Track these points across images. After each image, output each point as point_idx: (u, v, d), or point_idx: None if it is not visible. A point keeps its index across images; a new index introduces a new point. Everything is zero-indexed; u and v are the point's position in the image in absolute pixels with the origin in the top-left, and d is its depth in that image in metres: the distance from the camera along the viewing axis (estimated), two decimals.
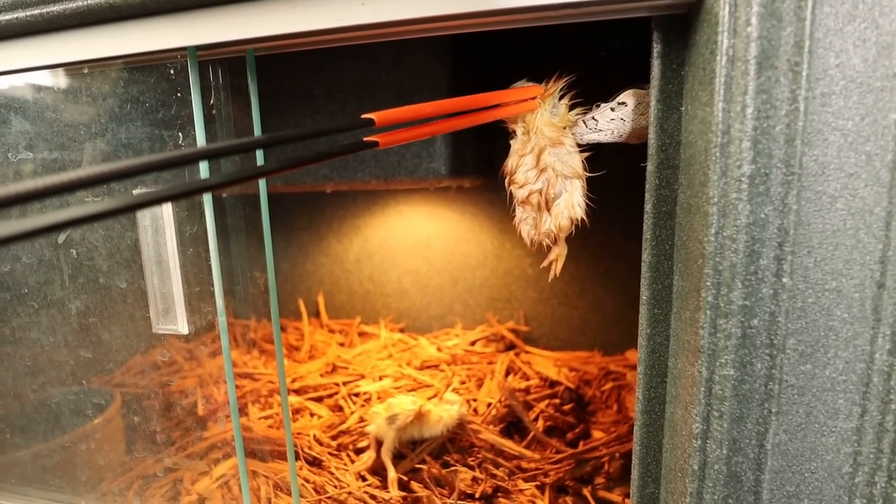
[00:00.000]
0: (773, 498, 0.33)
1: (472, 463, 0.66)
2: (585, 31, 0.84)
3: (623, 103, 0.41)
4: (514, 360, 0.95)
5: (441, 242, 1.07)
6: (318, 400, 0.86)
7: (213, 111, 0.41)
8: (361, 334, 1.10)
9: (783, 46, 0.28)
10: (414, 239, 1.08)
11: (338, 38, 0.38)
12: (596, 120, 0.41)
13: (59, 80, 0.43)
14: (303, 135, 0.31)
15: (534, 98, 0.42)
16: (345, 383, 0.89)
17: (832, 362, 0.32)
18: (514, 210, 0.45)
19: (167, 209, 0.42)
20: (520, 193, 0.43)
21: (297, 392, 0.88)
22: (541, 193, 0.42)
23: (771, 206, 0.30)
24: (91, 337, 0.50)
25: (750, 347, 0.31)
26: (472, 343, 1.03)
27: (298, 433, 0.74)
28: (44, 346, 0.52)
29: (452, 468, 0.63)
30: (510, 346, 1.02)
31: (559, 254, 0.46)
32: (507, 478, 0.63)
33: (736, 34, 0.28)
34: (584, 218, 0.44)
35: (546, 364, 0.95)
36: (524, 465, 0.67)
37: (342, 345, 1.07)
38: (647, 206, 0.37)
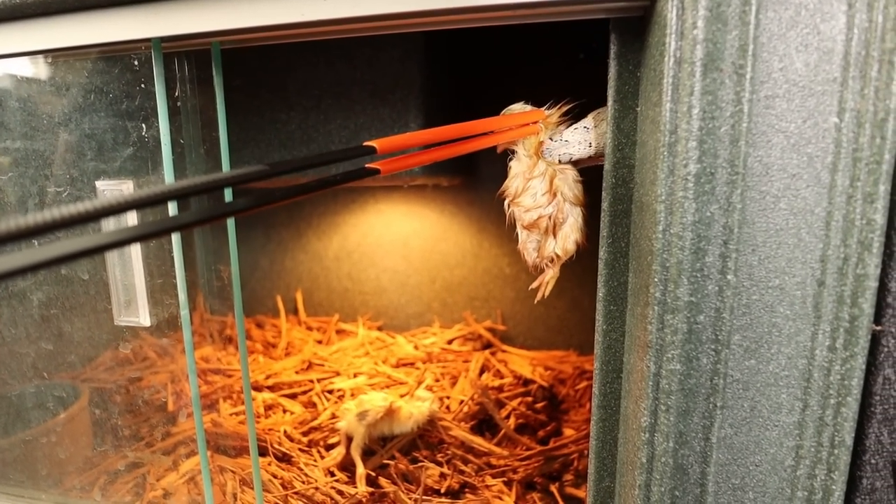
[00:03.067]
0: (719, 490, 0.34)
1: (440, 459, 0.66)
2: (564, 29, 0.85)
3: (587, 127, 0.42)
4: (490, 359, 0.96)
5: (419, 241, 1.07)
6: (292, 396, 0.86)
7: (178, 103, 0.41)
8: (339, 332, 1.10)
9: (728, 49, 0.29)
10: (392, 237, 1.08)
11: (301, 32, 0.38)
12: (567, 140, 0.42)
13: (21, 69, 0.42)
14: (302, 165, 0.31)
15: (535, 122, 0.43)
16: (319, 380, 0.89)
17: (775, 358, 0.32)
18: (516, 233, 0.45)
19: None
20: (527, 217, 0.43)
21: (272, 388, 0.88)
22: (550, 218, 0.42)
23: (716, 205, 0.31)
24: (52, 329, 0.50)
25: (696, 343, 0.32)
26: (450, 342, 1.04)
27: (269, 429, 0.74)
28: (4, 339, 0.51)
29: (420, 464, 0.63)
30: (487, 345, 1.03)
31: (553, 276, 0.46)
32: (474, 474, 0.63)
33: (683, 36, 0.29)
34: (585, 243, 0.44)
35: (521, 363, 0.96)
36: (493, 461, 0.68)
37: (320, 342, 1.06)
38: (604, 205, 0.38)
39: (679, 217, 0.31)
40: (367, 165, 0.34)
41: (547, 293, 0.45)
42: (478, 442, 0.69)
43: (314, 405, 0.82)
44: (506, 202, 0.44)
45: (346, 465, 0.66)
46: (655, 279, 0.32)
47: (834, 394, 0.32)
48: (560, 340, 1.05)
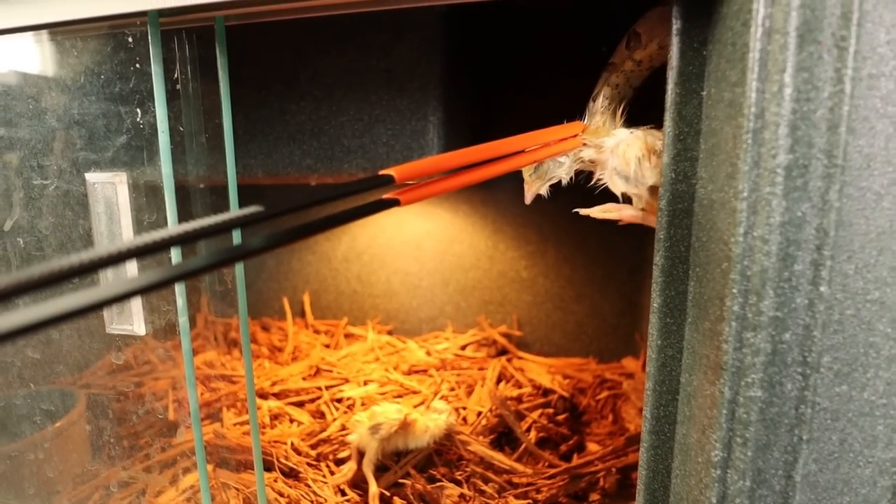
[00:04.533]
0: None
1: (459, 478, 0.61)
2: (589, 12, 0.80)
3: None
4: (506, 367, 0.91)
5: (433, 242, 1.03)
6: (300, 405, 0.81)
7: (178, 86, 0.37)
8: (348, 336, 1.05)
9: (828, 18, 0.24)
10: (404, 238, 1.04)
11: (313, 4, 0.33)
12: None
13: (4, 47, 0.38)
14: (308, 202, 0.27)
15: (575, 136, 0.39)
16: (328, 387, 0.84)
17: (871, 383, 0.28)
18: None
19: (122, 194, 0.37)
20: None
21: (278, 396, 0.84)
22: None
23: (809, 203, 0.26)
24: (40, 336, 0.45)
25: (780, 365, 0.27)
26: (463, 347, 0.99)
27: (276, 441, 0.70)
28: None
29: (438, 483, 0.59)
30: (502, 352, 0.98)
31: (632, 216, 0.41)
32: (496, 495, 0.59)
33: (774, 2, 0.25)
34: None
35: (539, 371, 0.91)
36: (515, 479, 0.63)
37: (327, 346, 1.02)
38: (662, 203, 0.33)
39: (765, 217, 0.26)
40: (385, 196, 0.29)
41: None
42: (498, 458, 0.65)
43: (322, 415, 0.78)
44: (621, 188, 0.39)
45: (358, 483, 0.62)
46: (734, 290, 0.27)
47: None
48: (578, 347, 1.00)
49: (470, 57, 0.70)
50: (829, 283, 0.26)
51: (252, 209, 0.23)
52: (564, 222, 0.96)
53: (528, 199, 0.43)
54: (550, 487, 0.62)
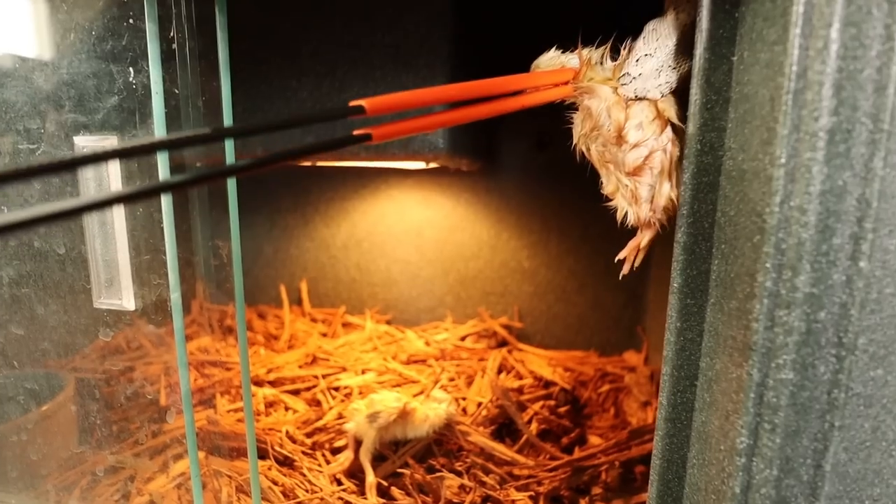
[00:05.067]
0: None
1: (459, 468, 0.60)
2: None
3: (647, 54, 0.34)
4: (507, 358, 0.89)
5: (434, 230, 1.01)
6: (295, 393, 0.79)
7: (173, 46, 0.35)
8: (345, 325, 1.03)
9: None
10: (405, 226, 1.02)
11: None
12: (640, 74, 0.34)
13: None
14: (275, 125, 0.27)
15: (566, 83, 0.35)
16: (325, 376, 0.83)
17: None
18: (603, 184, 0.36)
19: (113, 162, 0.35)
20: (632, 157, 0.33)
21: (273, 384, 0.82)
22: (665, 151, 0.32)
23: (850, 172, 0.24)
24: (24, 311, 0.43)
25: (814, 346, 0.25)
26: (463, 338, 0.97)
27: (270, 428, 0.68)
28: None
29: (438, 474, 0.57)
30: (502, 343, 0.96)
31: (652, 237, 0.37)
32: (497, 486, 0.57)
33: None
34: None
35: (540, 363, 0.90)
36: (516, 471, 0.62)
37: (325, 335, 1.00)
38: (686, 176, 0.31)
39: (804, 186, 0.24)
40: (356, 132, 0.27)
41: (638, 263, 0.37)
42: (500, 449, 0.63)
43: (319, 403, 0.76)
44: (593, 152, 0.35)
45: (355, 472, 0.60)
46: (766, 264, 0.25)
47: None
48: (580, 340, 0.98)
49: (479, 33, 0.68)
50: (870, 258, 0.25)
51: (196, 131, 0.22)
52: (568, 212, 0.94)
53: None
54: (552, 480, 0.60)
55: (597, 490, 0.61)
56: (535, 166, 0.93)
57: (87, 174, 0.36)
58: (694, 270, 0.32)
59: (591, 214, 0.93)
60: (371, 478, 0.57)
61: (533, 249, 0.97)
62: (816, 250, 0.24)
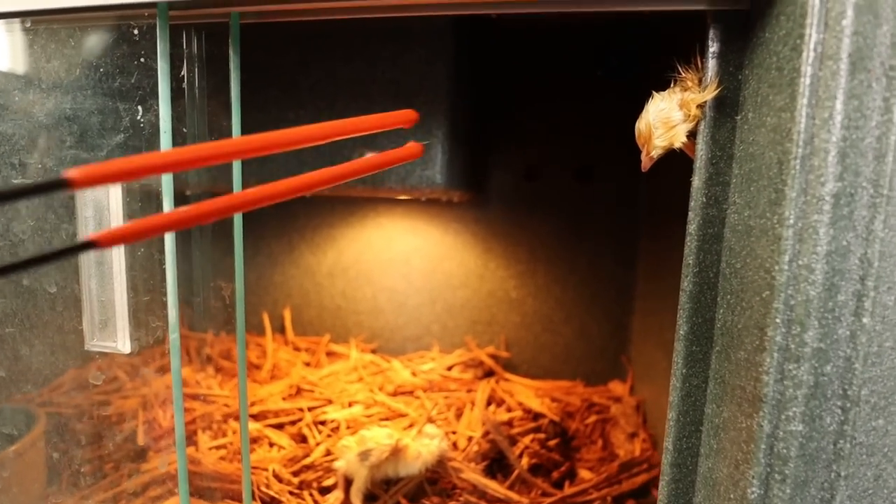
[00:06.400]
0: None
1: None
2: (598, 31, 0.80)
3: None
4: (495, 389, 0.89)
5: (422, 259, 1.01)
6: (279, 427, 0.77)
7: (184, 84, 0.34)
8: (330, 354, 1.01)
9: (878, 47, 0.24)
10: (392, 254, 1.02)
11: (338, 6, 0.32)
12: None
13: None
14: None
15: (411, 122, 0.32)
16: (310, 409, 0.80)
17: None
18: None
19: (115, 198, 0.34)
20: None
21: (256, 417, 0.79)
22: None
23: (853, 233, 0.25)
24: (7, 351, 0.41)
25: (821, 398, 0.26)
26: (449, 368, 0.97)
27: (255, 467, 0.65)
28: None
29: None
30: (489, 373, 0.96)
31: None
32: None
33: (828, 28, 0.24)
34: None
35: (527, 394, 0.89)
36: None
37: (308, 364, 0.98)
38: (691, 228, 0.32)
39: (811, 246, 0.25)
40: (85, 239, 0.19)
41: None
42: (492, 486, 0.62)
43: (304, 438, 0.74)
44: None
45: None
46: (776, 319, 0.26)
47: None
48: (566, 370, 0.99)
49: (482, 70, 0.70)
50: (872, 314, 0.26)
51: None
52: (555, 243, 0.95)
53: (646, 165, 0.35)
54: None
55: None
56: (523, 197, 0.95)
57: (86, 212, 0.35)
58: (699, 318, 0.33)
59: (577, 245, 0.94)
60: None
61: (520, 279, 0.98)
62: (823, 307, 0.26)
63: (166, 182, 0.35)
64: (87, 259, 0.36)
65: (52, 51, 0.35)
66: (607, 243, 0.93)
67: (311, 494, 0.61)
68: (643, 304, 0.90)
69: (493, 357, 0.98)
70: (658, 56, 0.74)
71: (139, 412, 0.66)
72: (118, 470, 0.60)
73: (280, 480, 0.63)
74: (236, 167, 0.36)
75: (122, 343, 0.36)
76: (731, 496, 0.29)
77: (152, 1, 0.31)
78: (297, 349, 1.02)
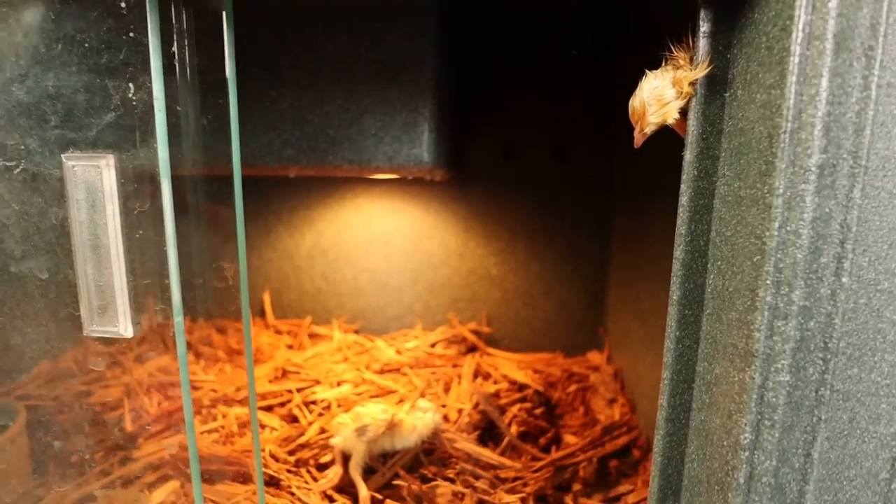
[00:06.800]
0: None
1: (450, 475, 0.61)
2: (574, 12, 0.81)
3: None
4: (480, 363, 0.92)
5: (402, 239, 1.01)
6: (268, 409, 0.77)
7: (174, 61, 0.33)
8: (312, 336, 1.02)
9: (858, 28, 0.26)
10: (372, 235, 1.02)
11: None
12: None
13: None
14: None
15: None
16: (298, 390, 0.81)
17: (878, 366, 0.30)
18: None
19: (109, 180, 0.33)
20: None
21: (244, 402, 0.79)
22: None
23: (834, 201, 0.28)
24: None
25: (805, 351, 0.29)
26: (433, 345, 0.98)
27: (249, 449, 0.66)
28: None
29: (433, 483, 0.58)
30: (472, 348, 0.99)
31: None
32: (490, 490, 0.59)
33: (815, 9, 0.26)
34: None
35: (510, 366, 0.92)
36: (502, 474, 0.64)
37: (291, 347, 0.98)
38: (683, 199, 0.34)
39: (798, 213, 0.28)
40: None
41: None
42: (486, 454, 0.65)
43: (295, 419, 0.75)
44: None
45: (345, 487, 0.59)
46: (767, 281, 0.28)
47: None
48: (546, 343, 1.02)
49: (463, 49, 0.70)
50: (850, 274, 0.29)
51: None
52: (534, 220, 0.98)
53: (639, 142, 0.36)
54: (537, 480, 0.63)
55: (577, 486, 0.64)
56: (502, 176, 0.96)
57: (78, 194, 0.34)
58: (691, 284, 0.35)
59: (555, 222, 0.97)
60: (364, 492, 0.57)
61: (500, 256, 1.00)
62: (808, 268, 0.28)
63: (163, 162, 0.34)
64: (81, 243, 0.35)
65: (29, 24, 0.33)
66: (584, 220, 0.96)
67: (308, 471, 0.62)
68: (618, 276, 0.93)
69: (476, 333, 1.01)
70: (631, 36, 0.76)
71: (125, 400, 0.65)
72: (108, 459, 0.59)
73: (277, 460, 0.63)
74: (234, 143, 0.35)
75: (124, 327, 0.35)
76: (725, 443, 0.32)
77: None
78: (278, 332, 1.02)
